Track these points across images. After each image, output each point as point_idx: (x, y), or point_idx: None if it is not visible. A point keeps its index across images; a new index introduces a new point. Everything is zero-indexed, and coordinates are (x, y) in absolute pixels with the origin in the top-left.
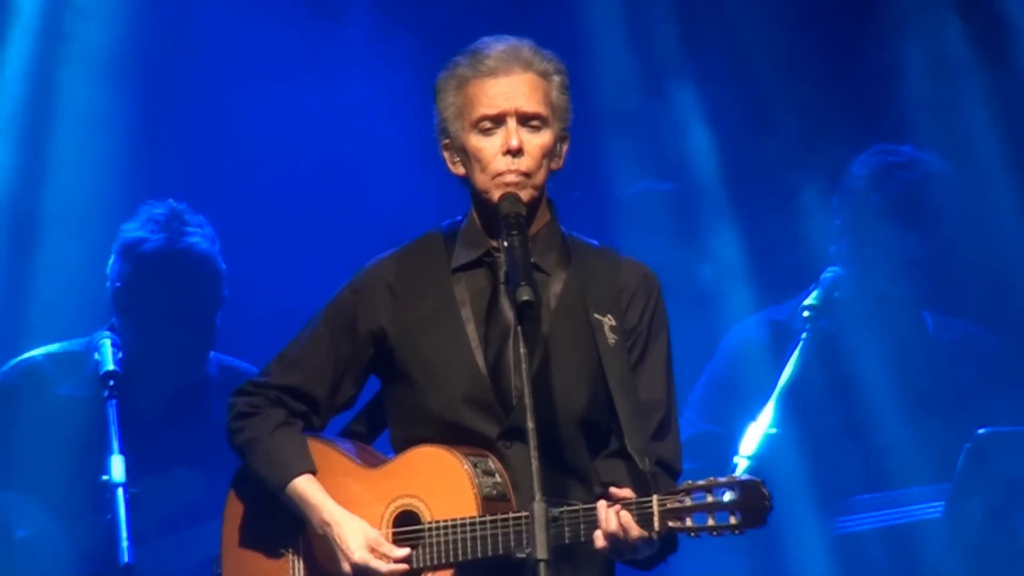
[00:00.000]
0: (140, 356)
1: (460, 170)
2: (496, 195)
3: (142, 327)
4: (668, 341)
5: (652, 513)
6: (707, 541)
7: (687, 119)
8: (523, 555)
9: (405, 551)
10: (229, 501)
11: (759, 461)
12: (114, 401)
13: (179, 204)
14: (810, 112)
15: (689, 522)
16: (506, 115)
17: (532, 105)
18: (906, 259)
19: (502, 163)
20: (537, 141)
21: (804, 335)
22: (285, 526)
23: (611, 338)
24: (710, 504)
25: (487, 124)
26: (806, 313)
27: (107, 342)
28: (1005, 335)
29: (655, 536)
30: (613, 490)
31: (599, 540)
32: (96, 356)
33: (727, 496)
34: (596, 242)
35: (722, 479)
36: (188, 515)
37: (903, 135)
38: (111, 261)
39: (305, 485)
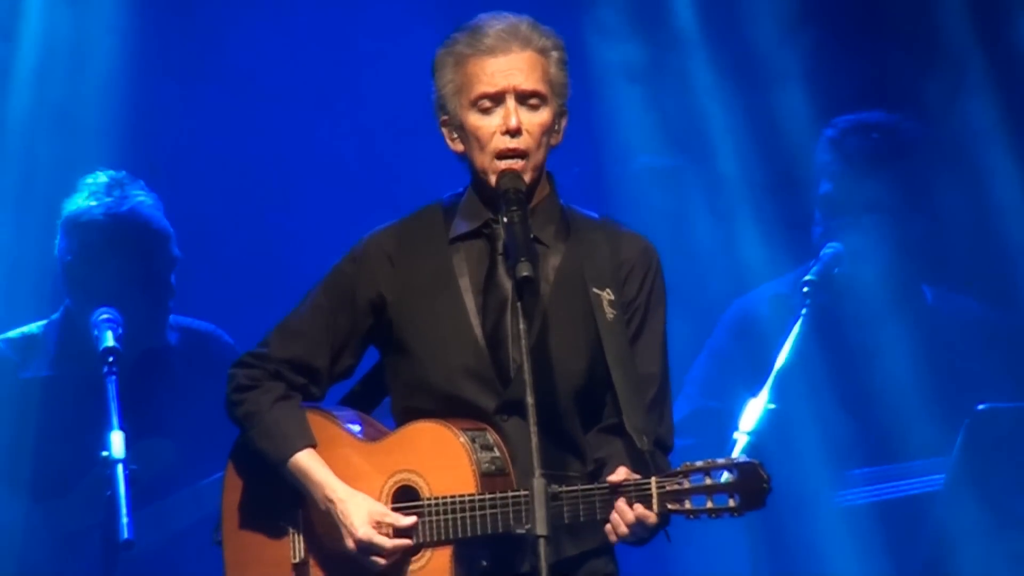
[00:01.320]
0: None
1: (459, 147)
2: (494, 178)
3: (99, 298)
4: (665, 316)
5: (651, 495)
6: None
7: (689, 94)
8: (523, 531)
9: (411, 519)
10: (228, 471)
11: (759, 436)
12: (113, 377)
13: (117, 172)
14: (818, 88)
15: (688, 504)
16: (505, 93)
17: (531, 83)
18: (859, 200)
19: (501, 142)
20: (536, 119)
21: (804, 311)
22: (285, 499)
23: (609, 313)
24: (708, 486)
25: (486, 103)
26: (806, 289)
27: (105, 318)
28: (1001, 308)
29: (655, 518)
30: (611, 478)
31: (612, 535)
32: (95, 332)
33: (725, 478)
34: (596, 214)
35: (720, 460)
36: (162, 485)
37: (904, 103)
38: (57, 239)
39: (307, 460)
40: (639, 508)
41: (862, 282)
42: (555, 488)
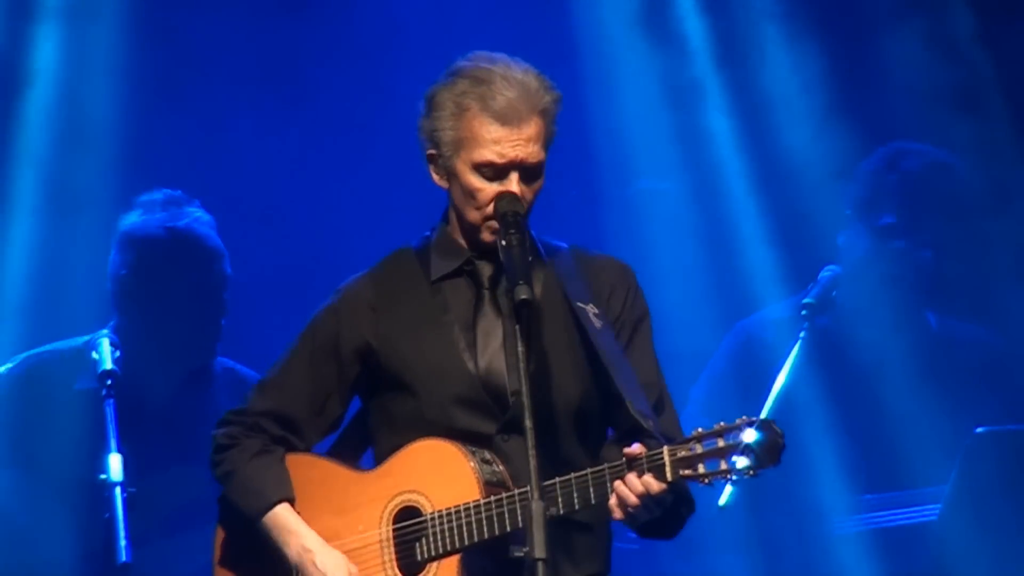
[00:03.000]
0: (149, 346)
1: (444, 184)
2: (486, 235)
3: (152, 314)
4: (651, 328)
5: (664, 464)
6: (706, 540)
7: (691, 114)
8: (520, 554)
9: None
10: (217, 531)
11: None
12: (112, 400)
13: (173, 191)
14: (825, 113)
15: (701, 468)
16: (511, 167)
17: (536, 155)
18: (922, 237)
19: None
20: (535, 186)
21: (802, 334)
22: (274, 557)
23: (598, 323)
24: (722, 449)
25: (489, 172)
26: (804, 312)
27: (105, 341)
28: (1012, 335)
29: (667, 487)
30: (626, 450)
31: (616, 511)
32: (94, 355)
33: (739, 438)
34: (564, 243)
35: (732, 423)
36: (189, 516)
37: (916, 131)
38: (112, 255)
39: (281, 513)
40: (648, 477)
41: (865, 301)
42: (546, 483)
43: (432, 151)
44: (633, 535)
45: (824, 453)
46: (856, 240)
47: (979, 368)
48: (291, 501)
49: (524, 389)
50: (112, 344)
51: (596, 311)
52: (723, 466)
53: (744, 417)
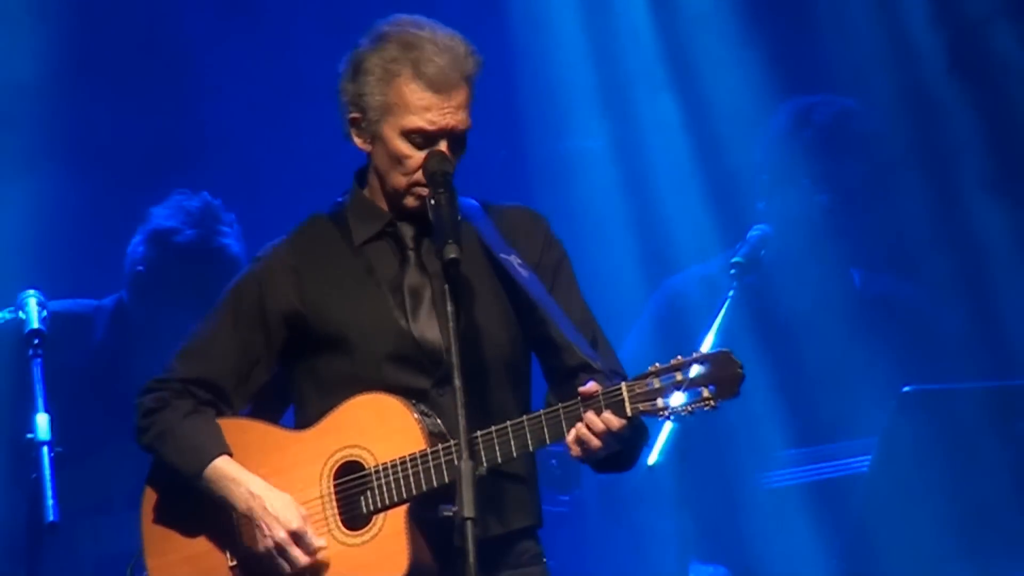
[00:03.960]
0: (147, 337)
1: (367, 148)
2: (410, 201)
3: (158, 314)
4: (572, 267)
5: (623, 400)
6: (636, 499)
7: (619, 73)
8: (448, 513)
9: (321, 542)
10: (147, 494)
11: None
12: (39, 360)
13: (214, 199)
14: (758, 68)
15: (660, 403)
16: (440, 135)
17: (465, 122)
18: (846, 187)
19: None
20: (461, 152)
21: (731, 292)
22: (211, 512)
23: (524, 272)
24: (680, 382)
25: (419, 139)
26: (732, 271)
27: (32, 300)
28: (935, 290)
29: (627, 423)
30: (581, 389)
31: (575, 448)
32: (20, 315)
33: (697, 371)
34: (473, 199)
35: (689, 357)
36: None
37: (845, 86)
38: (136, 242)
39: (224, 465)
40: (608, 414)
41: (792, 261)
42: (478, 433)
43: (356, 115)
44: (564, 497)
45: (753, 409)
46: (782, 202)
47: (901, 322)
48: (229, 455)
49: (454, 348)
50: (39, 304)
51: (519, 261)
52: (682, 399)
53: (701, 350)
